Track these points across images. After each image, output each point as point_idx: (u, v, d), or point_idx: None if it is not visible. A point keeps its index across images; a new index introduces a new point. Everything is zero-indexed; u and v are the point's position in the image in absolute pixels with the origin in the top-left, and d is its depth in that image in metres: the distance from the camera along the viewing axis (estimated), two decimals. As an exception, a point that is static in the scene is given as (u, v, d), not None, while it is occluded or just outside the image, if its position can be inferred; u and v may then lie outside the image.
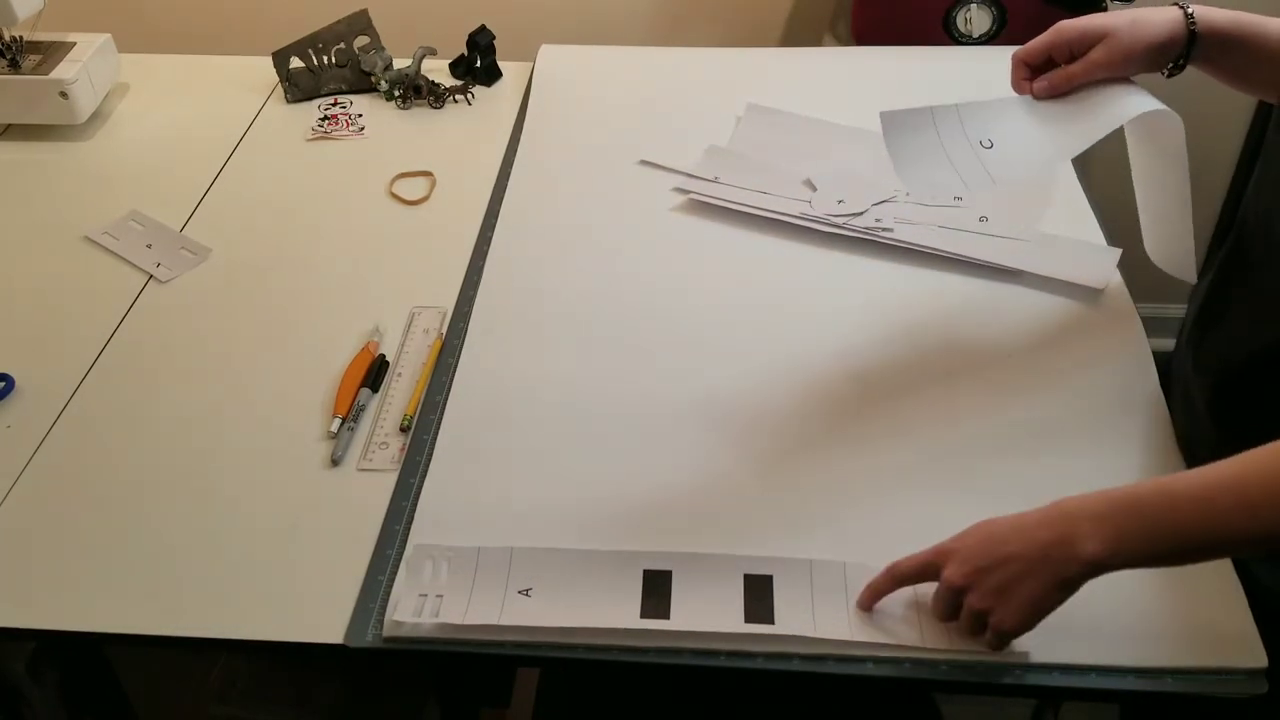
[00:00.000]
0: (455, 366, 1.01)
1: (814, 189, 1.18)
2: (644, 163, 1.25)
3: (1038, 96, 0.92)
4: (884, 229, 1.11)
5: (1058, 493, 0.87)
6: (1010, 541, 0.71)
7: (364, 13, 1.39)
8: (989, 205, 1.13)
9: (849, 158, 1.22)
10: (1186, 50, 0.88)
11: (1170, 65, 0.90)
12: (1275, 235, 0.82)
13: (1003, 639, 0.73)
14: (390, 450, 0.94)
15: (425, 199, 1.23)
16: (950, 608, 0.75)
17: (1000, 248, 1.09)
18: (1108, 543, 0.68)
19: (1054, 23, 1.46)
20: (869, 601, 0.78)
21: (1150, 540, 0.68)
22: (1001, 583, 0.71)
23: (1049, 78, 0.92)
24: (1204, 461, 0.87)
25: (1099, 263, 1.07)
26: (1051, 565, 0.69)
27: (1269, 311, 0.84)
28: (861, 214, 1.14)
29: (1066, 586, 0.70)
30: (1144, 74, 0.92)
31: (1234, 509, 0.66)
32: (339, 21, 1.38)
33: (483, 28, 1.40)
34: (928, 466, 0.89)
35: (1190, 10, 0.88)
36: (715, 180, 1.20)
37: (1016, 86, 0.96)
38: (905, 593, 0.79)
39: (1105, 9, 1.48)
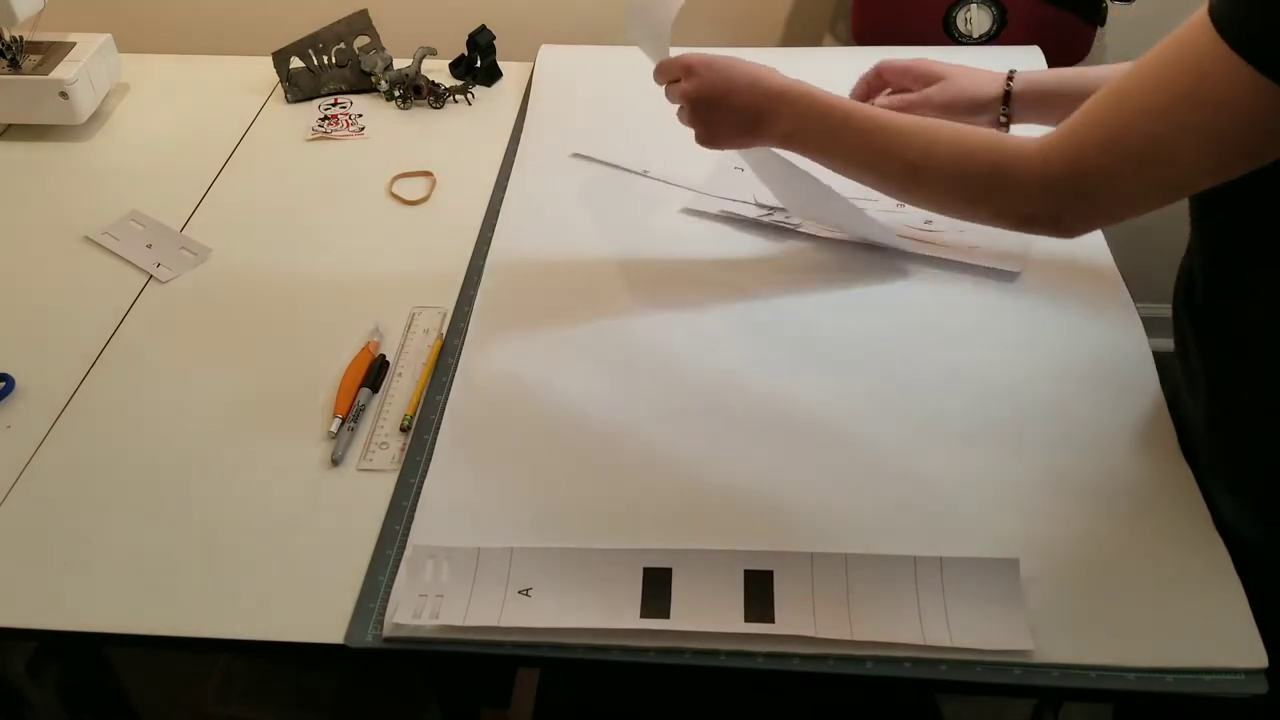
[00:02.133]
0: (455, 366, 1.01)
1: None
2: (576, 155, 1.27)
3: (893, 107, 1.04)
4: (805, 221, 1.16)
5: (1058, 492, 0.87)
6: (736, 93, 0.94)
7: (364, 13, 1.39)
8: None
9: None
10: (1006, 106, 1.02)
11: (1001, 118, 1.03)
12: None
13: (697, 139, 0.98)
14: (390, 450, 0.94)
15: (425, 199, 1.23)
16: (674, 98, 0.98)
17: (924, 236, 1.13)
18: (791, 130, 0.93)
19: (1053, 22, 1.47)
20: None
21: (819, 144, 0.93)
22: (714, 118, 0.96)
23: (895, 102, 1.05)
24: (1205, 461, 0.88)
25: (1016, 245, 1.10)
26: (753, 126, 0.94)
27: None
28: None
29: (753, 138, 0.96)
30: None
31: (876, 147, 0.89)
32: (339, 21, 1.38)
33: (483, 28, 1.40)
34: (927, 464, 0.89)
35: (1012, 72, 1.03)
36: (645, 174, 1.24)
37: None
38: (906, 592, 0.79)
39: (1104, 9, 1.49)
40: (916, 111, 1.01)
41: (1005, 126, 1.02)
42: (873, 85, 1.10)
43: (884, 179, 0.90)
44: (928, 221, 1.14)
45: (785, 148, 0.96)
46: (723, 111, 0.94)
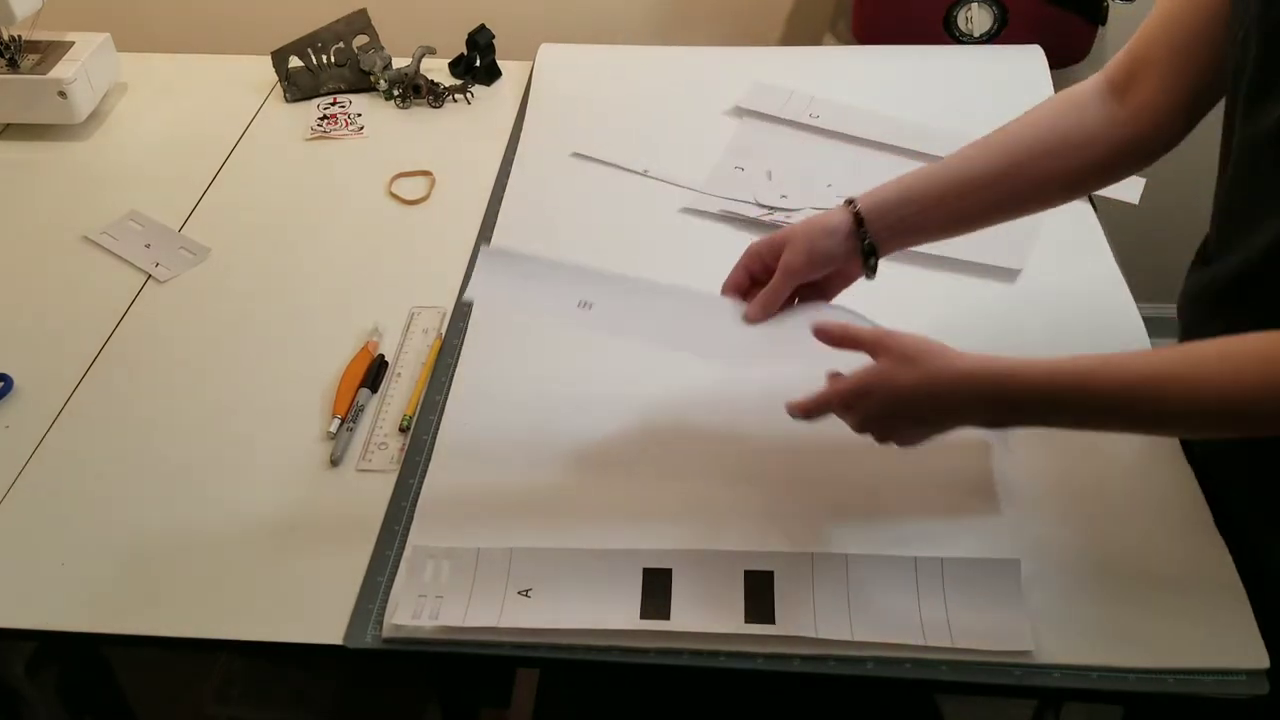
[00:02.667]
0: (455, 366, 1.01)
1: (769, 179, 1.21)
2: (576, 155, 1.26)
3: (754, 322, 0.89)
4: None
5: (1058, 492, 0.87)
6: (907, 419, 0.79)
7: (363, 12, 1.39)
8: None
9: (829, 156, 1.25)
10: (859, 231, 0.88)
11: (867, 258, 0.89)
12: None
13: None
14: (390, 450, 0.94)
15: (424, 199, 1.23)
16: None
17: None
18: (993, 420, 0.78)
19: (1055, 21, 1.47)
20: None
21: (1036, 421, 0.77)
22: (894, 432, 0.80)
23: (758, 300, 0.89)
24: (1205, 461, 0.88)
25: (1016, 244, 1.08)
26: (945, 426, 0.80)
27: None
28: (797, 211, 1.16)
29: (950, 431, 0.80)
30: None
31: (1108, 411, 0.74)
32: (338, 21, 1.38)
33: (482, 27, 1.40)
34: (928, 464, 0.89)
35: (850, 200, 0.89)
36: (645, 173, 1.23)
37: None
38: (906, 592, 0.79)
39: (1105, 8, 1.49)
40: (784, 289, 0.88)
41: (872, 259, 0.89)
42: (742, 282, 0.92)
43: (1147, 431, 0.80)
44: None
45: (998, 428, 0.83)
46: (905, 425, 0.80)
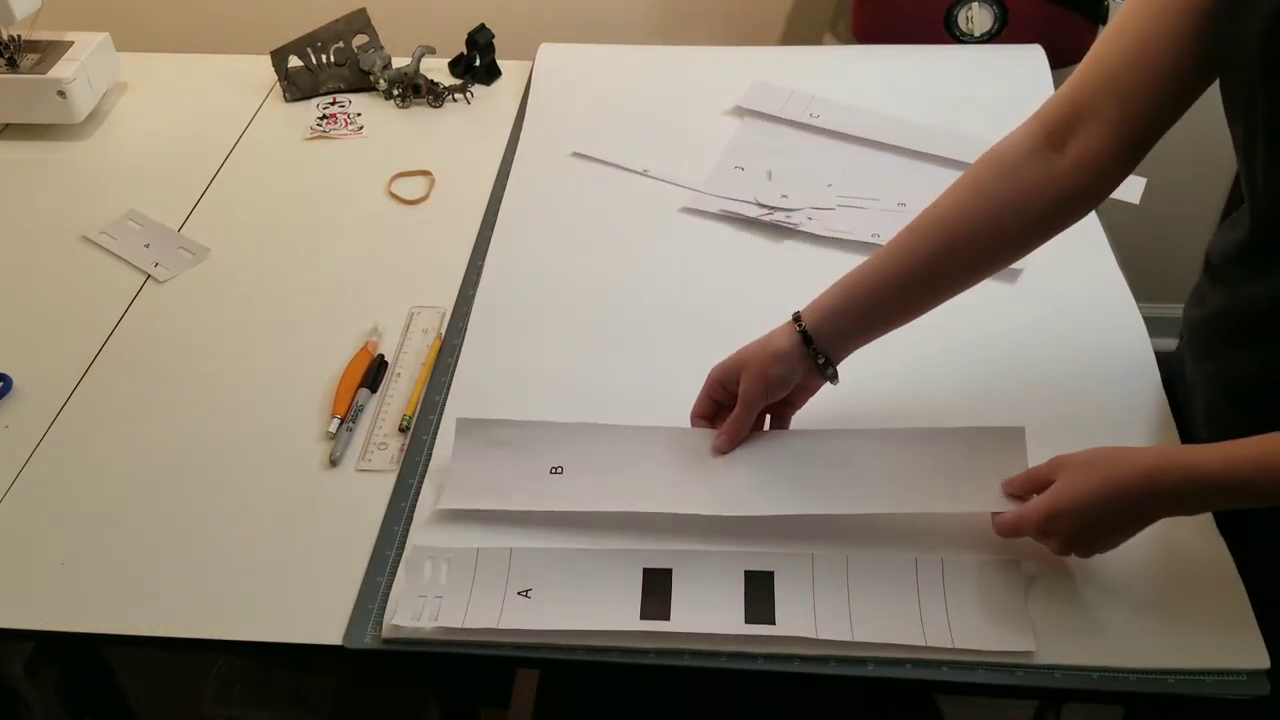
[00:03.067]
0: (455, 366, 1.01)
1: (769, 179, 1.20)
2: (576, 155, 1.26)
3: (722, 453, 0.89)
4: (805, 219, 1.15)
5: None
6: (1103, 528, 0.77)
7: (363, 11, 1.39)
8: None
9: (829, 156, 1.24)
10: (809, 350, 0.87)
11: (824, 370, 0.88)
12: None
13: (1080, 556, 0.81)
14: (389, 451, 0.94)
15: (424, 198, 1.23)
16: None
17: None
18: (1177, 512, 0.77)
19: (1055, 20, 1.47)
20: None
21: (1214, 506, 0.81)
22: (1095, 546, 0.79)
23: (724, 431, 0.89)
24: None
25: None
26: (1131, 532, 0.78)
27: None
28: (797, 210, 1.16)
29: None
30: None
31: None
32: (338, 20, 1.38)
33: (482, 27, 1.40)
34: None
35: (796, 314, 0.88)
36: (645, 173, 1.23)
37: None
38: (906, 592, 0.79)
39: (1106, 7, 1.48)
40: (749, 416, 0.88)
41: (830, 369, 0.88)
42: (708, 409, 0.91)
43: None
44: (900, 204, 1.14)
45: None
46: (1102, 536, 0.78)
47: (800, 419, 0.93)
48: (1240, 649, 0.75)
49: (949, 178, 1.20)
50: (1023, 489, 0.82)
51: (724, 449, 0.89)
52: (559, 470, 0.88)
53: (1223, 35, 0.75)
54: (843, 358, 0.89)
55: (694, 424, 0.91)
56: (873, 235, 1.12)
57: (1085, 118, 0.82)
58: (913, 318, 0.89)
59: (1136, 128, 0.81)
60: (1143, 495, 0.75)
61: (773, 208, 1.17)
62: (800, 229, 1.14)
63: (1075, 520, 0.77)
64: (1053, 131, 0.83)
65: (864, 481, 0.86)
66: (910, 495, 0.84)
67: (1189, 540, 0.83)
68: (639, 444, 0.89)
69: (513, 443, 0.90)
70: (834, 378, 0.89)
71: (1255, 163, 0.76)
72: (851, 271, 0.88)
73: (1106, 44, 0.82)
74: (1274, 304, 0.80)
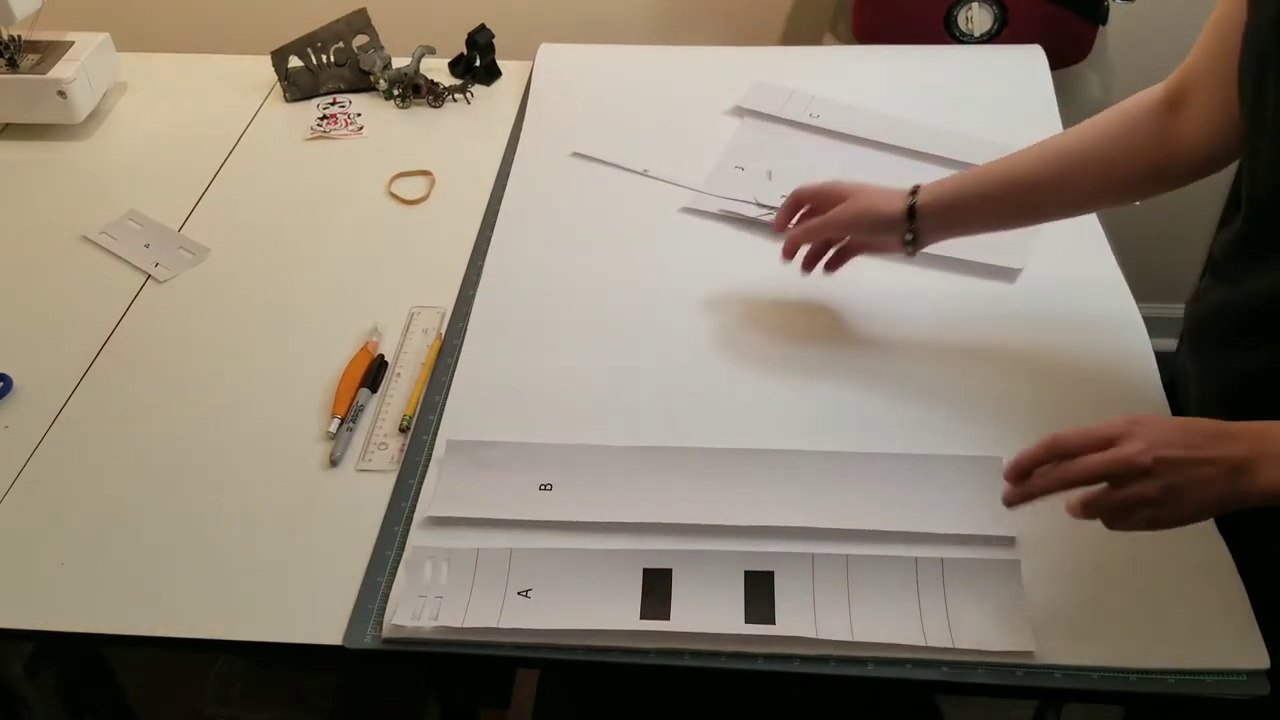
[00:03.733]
0: (455, 366, 1.01)
1: (769, 179, 1.21)
2: (576, 155, 1.26)
3: (779, 230, 1.00)
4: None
5: (1059, 493, 0.87)
6: (1210, 444, 0.69)
7: (363, 11, 1.39)
8: None
9: (829, 156, 1.24)
10: (909, 225, 0.95)
11: (907, 235, 0.96)
12: None
13: (1155, 527, 0.70)
14: (389, 451, 0.94)
15: (424, 198, 1.23)
16: (1114, 491, 0.69)
17: None
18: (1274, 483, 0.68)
19: (1055, 21, 1.47)
20: (1015, 474, 0.72)
21: None
22: (1186, 481, 0.68)
23: (799, 230, 0.99)
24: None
25: (1016, 243, 1.08)
26: (1234, 480, 0.68)
27: None
28: None
29: (1226, 506, 0.70)
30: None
31: None
32: (338, 20, 1.38)
33: (482, 27, 1.40)
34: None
35: (916, 187, 0.95)
36: (645, 173, 1.23)
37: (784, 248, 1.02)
38: (907, 592, 0.79)
39: (1106, 8, 1.48)
40: (824, 231, 0.98)
41: (912, 245, 0.96)
42: (790, 211, 1.01)
43: None
44: None
45: (1272, 503, 0.70)
46: (1196, 469, 0.68)
47: (803, 413, 0.93)
48: (1240, 649, 0.75)
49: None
50: (1082, 444, 0.70)
51: (791, 246, 0.99)
52: (548, 487, 0.88)
53: (1249, 19, 0.76)
54: (928, 243, 0.97)
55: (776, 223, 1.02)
56: None
57: (1198, 85, 0.85)
58: (1008, 228, 0.96)
59: (1233, 113, 0.81)
60: (1251, 443, 0.68)
61: (772, 208, 1.17)
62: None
63: (1163, 427, 0.68)
64: (1172, 94, 0.87)
65: (853, 501, 0.86)
66: (896, 518, 0.85)
67: (1189, 540, 0.82)
68: (628, 462, 0.90)
69: (502, 462, 0.90)
70: (912, 253, 0.97)
71: (1260, 151, 0.76)
72: (969, 172, 0.95)
73: (1211, 26, 0.84)
74: (1266, 299, 0.80)
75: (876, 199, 0.96)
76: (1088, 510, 0.71)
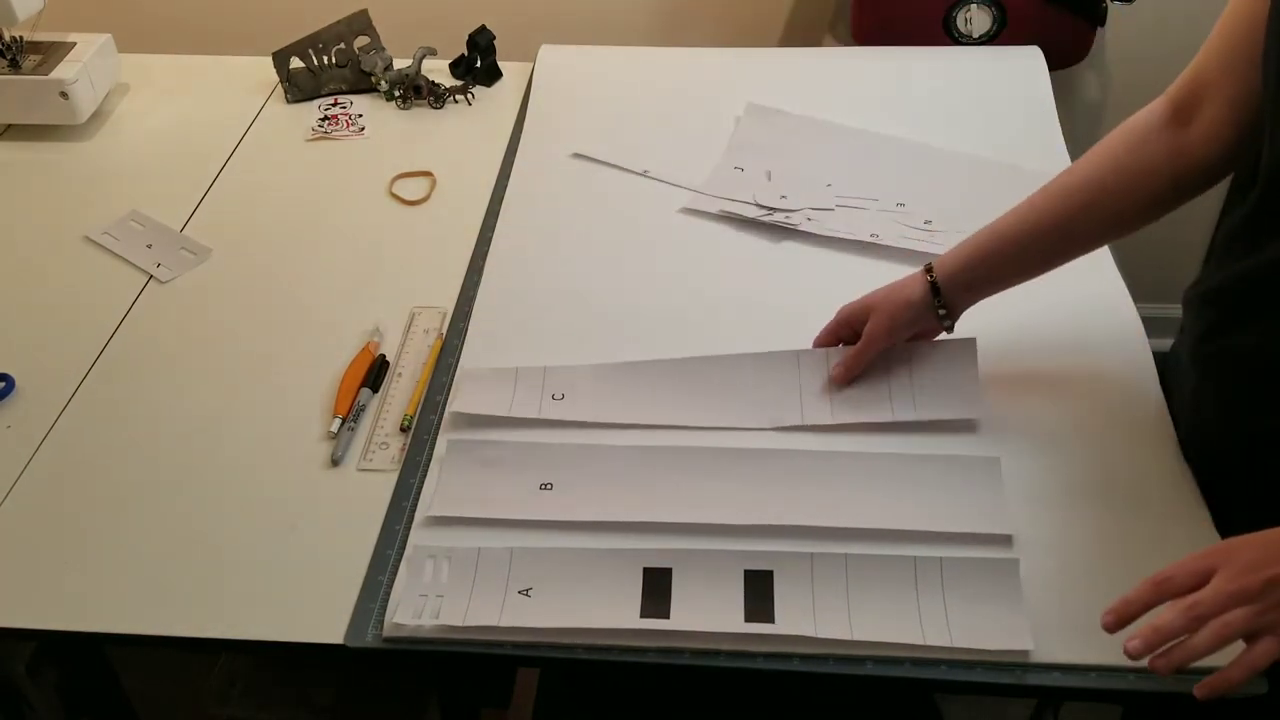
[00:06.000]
0: (455, 366, 1.01)
1: (769, 180, 1.21)
2: (576, 155, 1.26)
3: (839, 383, 0.95)
4: (805, 220, 1.15)
5: (1058, 492, 0.87)
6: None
7: (364, 13, 1.39)
8: (933, 210, 1.16)
9: (828, 156, 1.24)
10: (936, 301, 0.93)
11: (940, 311, 0.94)
12: None
13: (1269, 660, 0.67)
14: (390, 450, 0.94)
15: (425, 199, 1.23)
16: (1220, 622, 0.67)
17: (923, 237, 1.12)
18: None
19: (1054, 22, 1.47)
20: (1116, 624, 0.70)
21: None
22: None
23: (843, 362, 0.96)
24: (1207, 463, 0.87)
25: None
26: None
27: None
28: (796, 211, 1.17)
29: None
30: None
31: None
32: (339, 21, 1.38)
33: (483, 28, 1.40)
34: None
35: (928, 265, 0.94)
36: (645, 174, 1.23)
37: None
38: (906, 592, 0.79)
39: (1105, 9, 1.49)
40: (870, 354, 0.94)
41: (948, 320, 0.95)
42: (829, 343, 0.99)
43: None
44: (927, 222, 1.14)
45: None
46: None
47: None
48: (1238, 648, 0.75)
49: (948, 178, 1.21)
50: (1187, 579, 0.69)
51: (841, 380, 0.95)
52: (548, 487, 0.89)
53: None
54: (963, 310, 0.95)
55: (815, 345, 0.99)
56: (871, 235, 1.12)
57: (1207, 94, 0.84)
58: (1035, 276, 0.94)
59: (1254, 104, 0.81)
60: None
61: (772, 209, 1.17)
62: (800, 229, 1.14)
63: (1255, 548, 0.68)
64: (1179, 107, 0.86)
65: (853, 501, 0.86)
66: (895, 517, 0.85)
67: (1187, 540, 0.83)
68: (628, 462, 0.90)
69: (502, 461, 0.90)
70: (950, 328, 0.96)
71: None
72: (982, 230, 0.93)
73: (1225, 20, 0.83)
74: (1267, 276, 0.80)
75: (898, 296, 0.94)
76: (1223, 635, 0.68)
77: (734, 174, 1.23)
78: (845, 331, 0.97)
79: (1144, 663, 0.75)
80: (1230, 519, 0.84)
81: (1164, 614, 0.69)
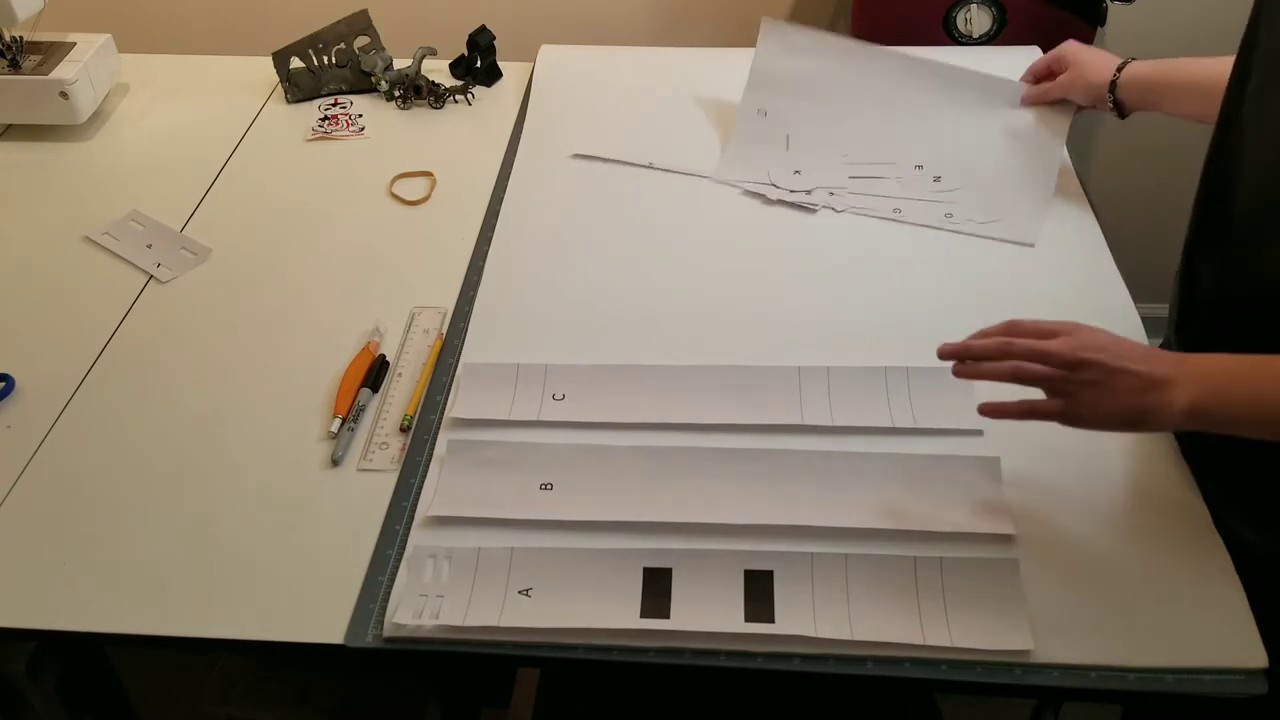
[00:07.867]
0: (455, 366, 1.01)
1: (786, 148, 1.22)
2: (577, 155, 1.26)
3: (1026, 102, 1.19)
4: (821, 202, 1.17)
5: (1058, 492, 0.87)
6: (1135, 357, 0.76)
7: (364, 13, 1.39)
8: (952, 169, 1.19)
9: (848, 99, 1.25)
10: (1111, 93, 1.11)
11: (1111, 102, 1.12)
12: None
13: (1067, 421, 0.78)
14: (390, 450, 0.94)
15: (425, 199, 1.23)
16: (1034, 372, 0.77)
17: (936, 211, 1.14)
18: (1200, 400, 0.74)
19: (1054, 22, 1.47)
20: (952, 353, 0.81)
21: (1235, 408, 0.75)
22: (1103, 380, 0.76)
23: (1039, 88, 1.19)
24: (1202, 458, 0.88)
25: (1030, 218, 1.12)
26: (1149, 394, 0.75)
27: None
28: (809, 192, 1.18)
29: (1139, 421, 0.76)
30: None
31: None
32: (339, 22, 1.38)
33: (483, 28, 1.40)
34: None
35: (1123, 62, 1.11)
36: (650, 166, 1.24)
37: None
38: (906, 592, 0.79)
39: (1105, 9, 1.49)
40: (1052, 96, 1.17)
41: (1115, 112, 1.12)
42: (1043, 73, 1.20)
43: None
44: (936, 179, 1.15)
45: (1185, 426, 0.77)
46: (1116, 377, 0.75)
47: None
48: (1238, 648, 0.76)
49: (968, 133, 1.21)
50: (1032, 330, 0.80)
51: (1029, 102, 1.20)
52: (548, 487, 0.89)
53: None
54: (1134, 112, 1.12)
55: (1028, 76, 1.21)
56: (894, 210, 1.13)
57: None
58: (1193, 119, 1.03)
59: None
60: (1174, 365, 0.75)
61: (790, 190, 1.17)
62: (820, 207, 1.16)
63: (1097, 346, 0.76)
64: None
65: (853, 501, 0.86)
66: (895, 517, 0.85)
67: (1187, 540, 0.83)
68: (628, 462, 0.90)
69: (502, 462, 0.90)
70: (1121, 116, 1.13)
71: None
72: (1172, 61, 1.07)
73: None
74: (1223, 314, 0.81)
75: (1091, 70, 1.13)
76: (1016, 373, 0.78)
77: (757, 121, 1.23)
78: (1057, 67, 1.18)
79: (1144, 663, 0.76)
80: (1229, 519, 0.84)
81: (984, 339, 0.80)
